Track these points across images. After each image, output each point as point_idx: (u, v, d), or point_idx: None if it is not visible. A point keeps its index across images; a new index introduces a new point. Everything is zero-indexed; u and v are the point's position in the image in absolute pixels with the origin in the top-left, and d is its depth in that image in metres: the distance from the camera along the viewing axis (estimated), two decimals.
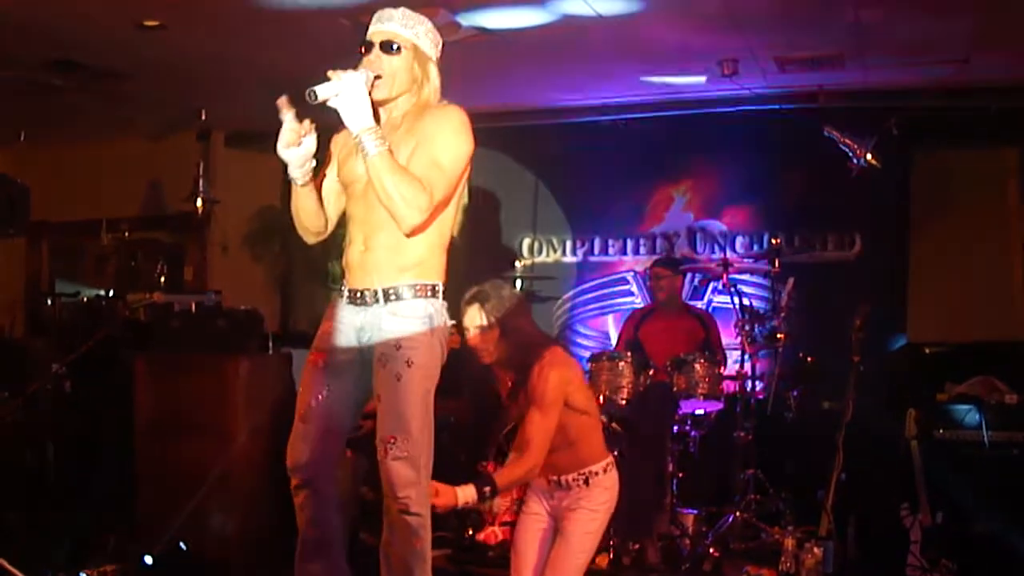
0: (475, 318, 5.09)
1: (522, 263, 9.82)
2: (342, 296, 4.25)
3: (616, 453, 6.92)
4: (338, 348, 4.20)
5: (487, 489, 4.82)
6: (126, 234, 10.94)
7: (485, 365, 5.20)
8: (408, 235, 4.01)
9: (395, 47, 4.09)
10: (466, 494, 4.74)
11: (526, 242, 10.27)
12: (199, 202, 9.19)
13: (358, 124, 3.90)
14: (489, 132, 10.04)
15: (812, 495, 6.99)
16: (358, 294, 4.13)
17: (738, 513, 7.05)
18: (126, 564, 6.56)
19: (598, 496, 5.19)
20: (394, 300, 4.07)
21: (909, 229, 9.01)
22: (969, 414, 6.89)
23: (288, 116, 4.01)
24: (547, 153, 10.13)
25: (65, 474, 8.14)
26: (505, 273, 9.13)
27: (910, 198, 8.99)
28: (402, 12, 4.15)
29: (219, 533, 6.88)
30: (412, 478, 4.05)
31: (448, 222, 4.21)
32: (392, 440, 4.01)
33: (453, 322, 5.59)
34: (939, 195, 8.98)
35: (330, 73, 3.92)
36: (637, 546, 6.71)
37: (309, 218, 4.28)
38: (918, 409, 6.85)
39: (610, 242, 10.06)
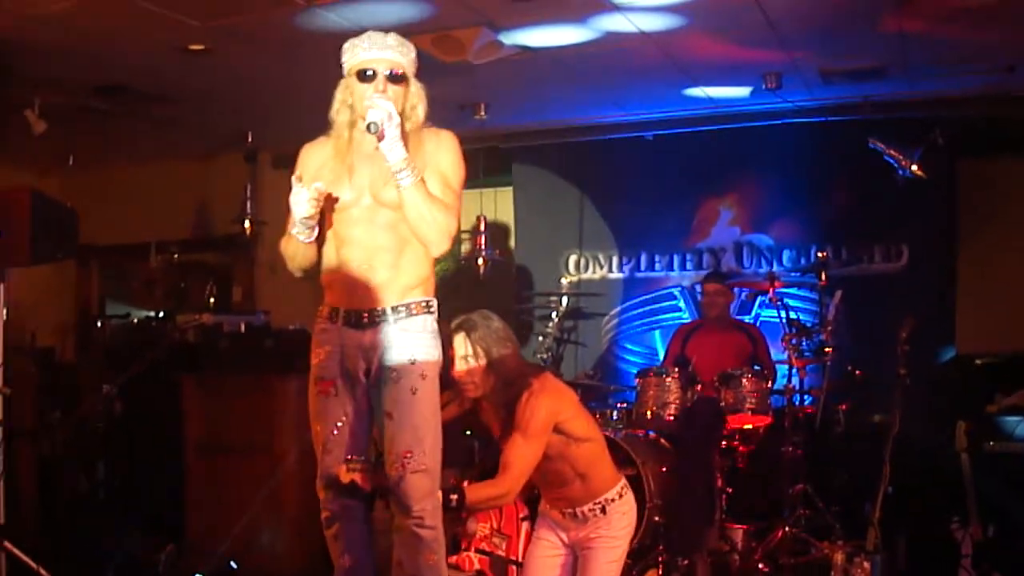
0: (460, 348, 4.86)
1: (568, 280, 9.80)
2: (334, 319, 4.25)
3: (664, 469, 6.96)
4: (345, 372, 4.22)
5: (454, 497, 4.62)
6: (175, 256, 11.04)
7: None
8: (436, 257, 4.17)
9: (400, 74, 4.16)
10: None
11: (572, 259, 10.24)
12: (247, 223, 9.25)
13: (398, 155, 3.99)
14: (534, 150, 10.27)
15: (862, 509, 6.95)
16: (364, 315, 4.16)
17: (787, 528, 6.99)
18: None
19: (617, 523, 5.14)
20: (403, 317, 4.12)
21: (956, 239, 8.93)
22: (1020, 426, 6.80)
23: (305, 189, 4.08)
24: (592, 169, 10.12)
25: (116, 494, 8.21)
26: (552, 290, 9.11)
27: (957, 208, 8.91)
28: (395, 38, 4.20)
29: (268, 551, 6.93)
30: (428, 490, 4.11)
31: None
32: (409, 454, 4.06)
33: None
34: (986, 204, 8.89)
35: (366, 102, 4.02)
36: (686, 562, 6.68)
37: (309, 259, 4.32)
38: (968, 421, 6.81)
39: (657, 258, 10.01)
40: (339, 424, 4.23)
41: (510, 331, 5.02)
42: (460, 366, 4.85)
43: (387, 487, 4.20)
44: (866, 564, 6.21)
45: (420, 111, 4.23)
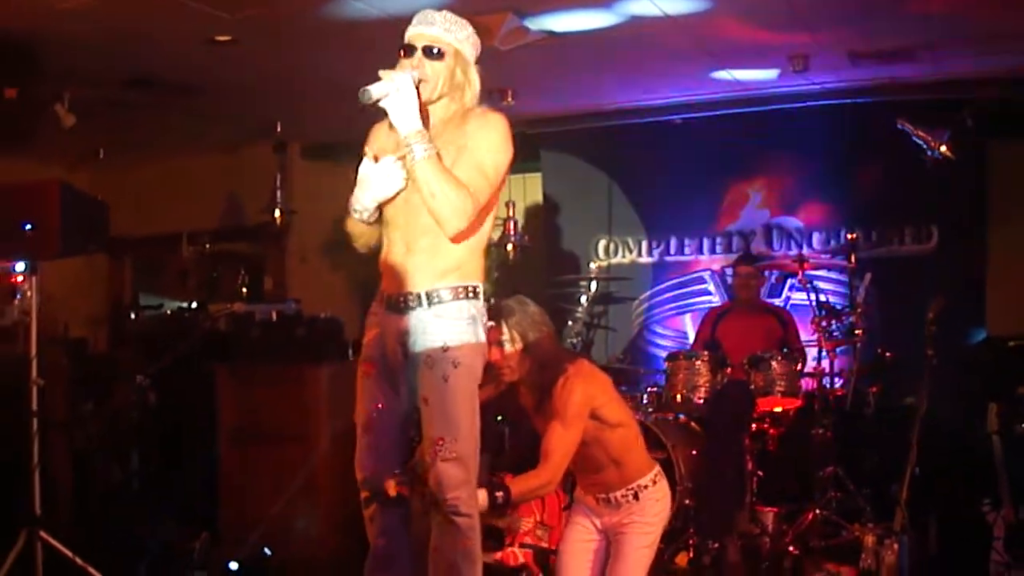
0: (497, 332, 4.86)
1: (598, 265, 9.80)
2: (382, 303, 4.26)
3: (694, 452, 6.97)
4: (386, 355, 4.21)
5: (499, 495, 4.66)
6: (206, 246, 11.08)
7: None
8: (452, 240, 4.03)
9: (438, 51, 4.09)
10: (479, 498, 4.49)
11: (601, 243, 10.26)
12: (277, 213, 9.30)
13: (408, 126, 3.94)
14: (562, 135, 10.29)
15: (892, 491, 6.94)
16: (401, 299, 4.13)
17: (818, 510, 6.98)
18: (211, 571, 6.67)
19: (650, 509, 5.12)
20: (437, 303, 4.08)
21: (987, 220, 8.90)
22: None
23: (392, 163, 4.06)
24: (620, 154, 10.14)
25: (149, 483, 8.27)
26: (581, 275, 9.12)
27: (987, 189, 8.88)
28: (444, 16, 4.15)
29: (302, 538, 6.97)
30: (462, 478, 4.06)
31: (487, 226, 4.22)
32: (441, 442, 4.03)
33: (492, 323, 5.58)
34: (1016, 185, 8.85)
35: (381, 73, 3.96)
36: (717, 545, 6.69)
37: (370, 236, 4.28)
38: (999, 403, 6.78)
39: (686, 241, 10.02)
40: (378, 406, 4.22)
41: (546, 316, 5.05)
42: (496, 351, 4.86)
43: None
44: (896, 546, 6.19)
45: (469, 93, 4.17)
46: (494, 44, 7.13)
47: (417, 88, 3.98)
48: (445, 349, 4.06)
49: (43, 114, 7.87)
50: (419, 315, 4.10)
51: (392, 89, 3.92)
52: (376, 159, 4.10)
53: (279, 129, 9.50)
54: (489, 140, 4.11)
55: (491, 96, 8.68)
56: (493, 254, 9.87)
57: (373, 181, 4.09)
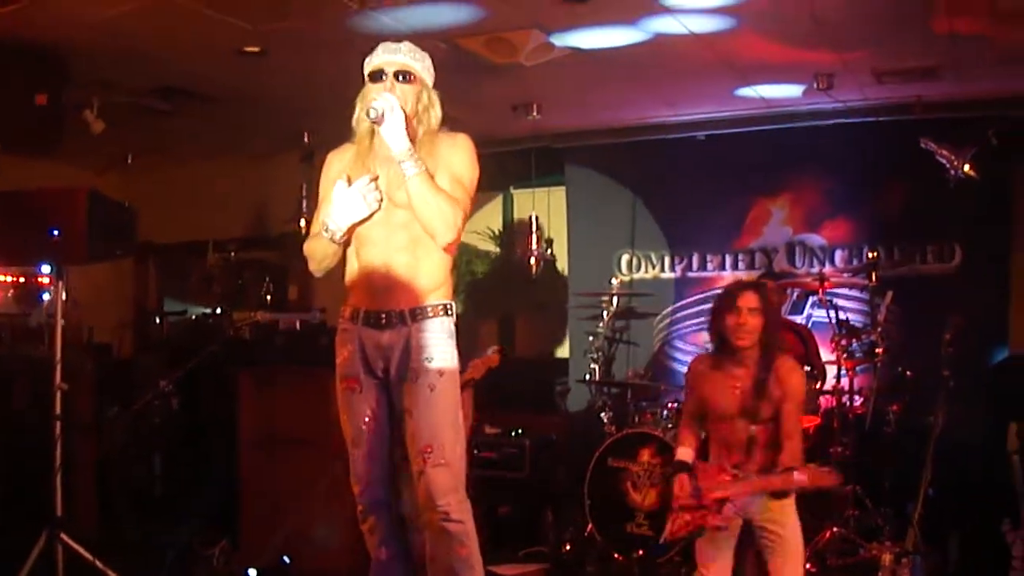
0: (750, 301, 5.65)
1: (620, 280, 9.82)
2: (355, 319, 4.38)
3: None
4: (368, 370, 4.35)
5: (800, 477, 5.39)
6: (232, 254, 11.15)
7: None
8: (444, 250, 4.24)
9: (408, 76, 4.31)
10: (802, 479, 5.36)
11: (624, 258, 10.26)
12: (303, 222, 9.35)
13: (401, 144, 4.12)
14: (586, 150, 10.31)
15: (908, 511, 6.94)
16: (382, 316, 4.27)
17: (836, 528, 6.98)
18: None
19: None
20: (421, 319, 4.23)
21: (1010, 240, 8.86)
22: None
23: (365, 186, 4.25)
24: (644, 170, 10.14)
25: (172, 487, 8.32)
26: (603, 290, 9.14)
27: (1011, 208, 8.85)
28: (408, 45, 4.39)
29: (322, 547, 6.99)
30: (451, 485, 4.19)
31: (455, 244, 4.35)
32: (429, 449, 4.16)
33: (495, 347, 5.90)
34: None
35: (374, 94, 4.20)
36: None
37: (336, 260, 4.47)
38: (1020, 423, 6.77)
39: (708, 257, 10.01)
40: (366, 419, 4.36)
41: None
42: (745, 315, 5.63)
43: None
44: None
45: (434, 115, 4.36)
46: (519, 60, 7.19)
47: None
48: (430, 360, 4.22)
49: (73, 120, 7.94)
50: (402, 331, 4.24)
51: (388, 107, 4.10)
52: (350, 182, 4.22)
53: (307, 139, 9.56)
54: (461, 158, 4.33)
55: (516, 110, 8.72)
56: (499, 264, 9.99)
57: (348, 203, 4.24)
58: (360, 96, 4.38)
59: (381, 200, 4.24)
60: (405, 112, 4.21)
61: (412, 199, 4.11)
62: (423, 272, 4.26)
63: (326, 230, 4.30)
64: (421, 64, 4.37)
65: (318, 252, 4.42)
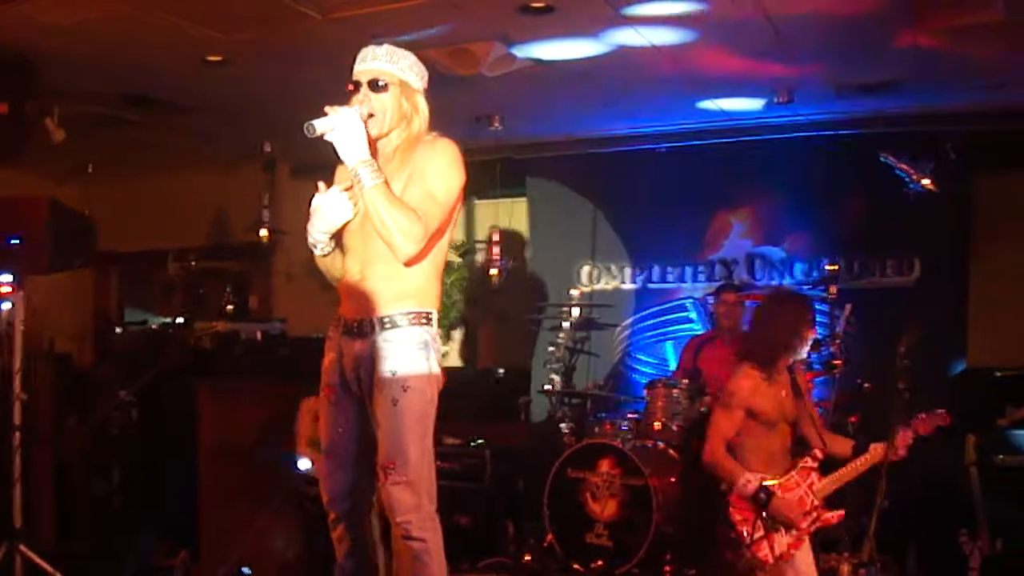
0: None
1: (581, 290, 9.84)
2: (339, 327, 4.33)
3: (672, 479, 7.01)
4: (345, 380, 4.29)
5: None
6: (193, 263, 11.11)
7: None
8: (406, 264, 4.11)
9: (382, 84, 4.21)
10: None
11: (585, 269, 10.27)
12: (264, 232, 9.33)
13: (354, 157, 4.03)
14: (548, 161, 10.32)
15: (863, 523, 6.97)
16: (355, 324, 4.22)
17: None
18: None
19: None
20: (390, 328, 4.15)
21: (969, 253, 8.92)
22: None
23: (338, 193, 4.20)
24: (605, 181, 10.15)
25: (131, 498, 8.28)
26: (564, 300, 9.15)
27: (969, 222, 8.91)
28: (386, 49, 4.27)
29: (281, 557, 6.98)
30: (412, 503, 4.11)
31: (443, 252, 4.32)
32: (392, 465, 4.08)
33: (445, 349, 5.72)
34: (999, 218, 8.86)
35: (327, 108, 4.07)
36: (694, 572, 6.73)
37: (339, 268, 4.38)
38: (977, 434, 6.82)
39: (669, 269, 10.03)
40: (339, 430, 4.30)
41: None
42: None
43: None
44: None
45: (417, 121, 4.28)
46: (481, 71, 7.20)
47: (365, 122, 4.09)
48: (394, 374, 4.13)
49: (33, 128, 7.89)
50: (371, 340, 4.18)
51: (337, 123, 4.02)
52: (325, 189, 4.21)
53: (268, 148, 9.53)
54: (438, 165, 4.19)
55: (478, 122, 8.74)
56: (463, 275, 9.98)
57: (322, 211, 4.19)
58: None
59: (356, 209, 4.17)
60: (385, 120, 4.18)
61: (368, 211, 4.03)
62: (399, 280, 4.17)
63: (311, 244, 4.27)
64: (397, 67, 4.25)
65: (320, 265, 4.39)
